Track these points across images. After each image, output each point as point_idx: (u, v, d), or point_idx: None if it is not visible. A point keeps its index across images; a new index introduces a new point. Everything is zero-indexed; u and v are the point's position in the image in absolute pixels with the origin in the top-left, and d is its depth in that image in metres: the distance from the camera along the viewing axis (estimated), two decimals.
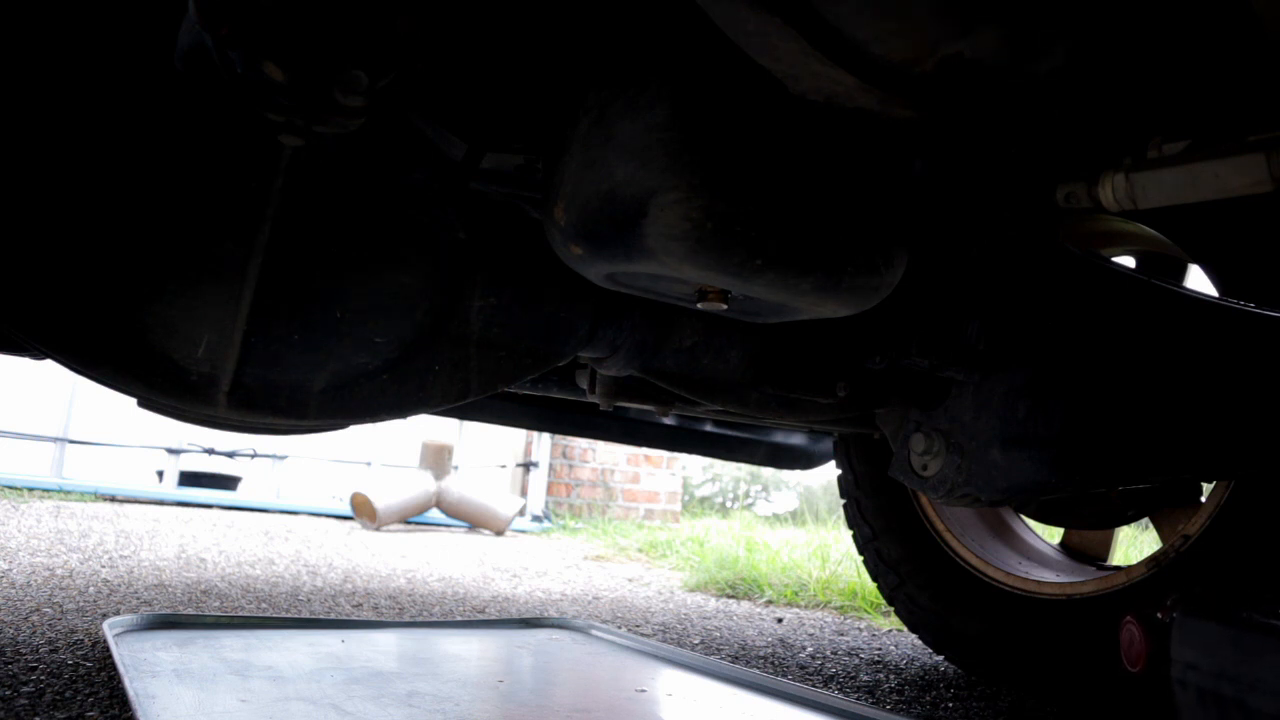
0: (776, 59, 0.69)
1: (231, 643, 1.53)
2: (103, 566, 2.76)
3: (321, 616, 2.09)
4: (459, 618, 2.29)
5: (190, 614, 1.75)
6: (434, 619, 2.16)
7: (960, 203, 1.07)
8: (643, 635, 2.18)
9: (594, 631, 1.87)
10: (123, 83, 0.88)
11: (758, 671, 1.50)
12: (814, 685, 1.72)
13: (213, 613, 1.99)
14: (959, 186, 1.05)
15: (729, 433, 2.25)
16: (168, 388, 0.91)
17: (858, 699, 1.61)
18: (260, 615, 1.96)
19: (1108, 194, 0.93)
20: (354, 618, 2.02)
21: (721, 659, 1.95)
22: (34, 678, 1.38)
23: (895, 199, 0.88)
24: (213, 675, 1.30)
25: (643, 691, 1.40)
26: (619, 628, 2.04)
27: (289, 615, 2.10)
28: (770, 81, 0.74)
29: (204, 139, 0.90)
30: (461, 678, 1.42)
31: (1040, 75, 0.70)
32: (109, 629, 1.51)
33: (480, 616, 2.34)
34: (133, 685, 1.18)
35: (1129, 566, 1.57)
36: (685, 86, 0.79)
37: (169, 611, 1.80)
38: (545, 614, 2.41)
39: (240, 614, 2.06)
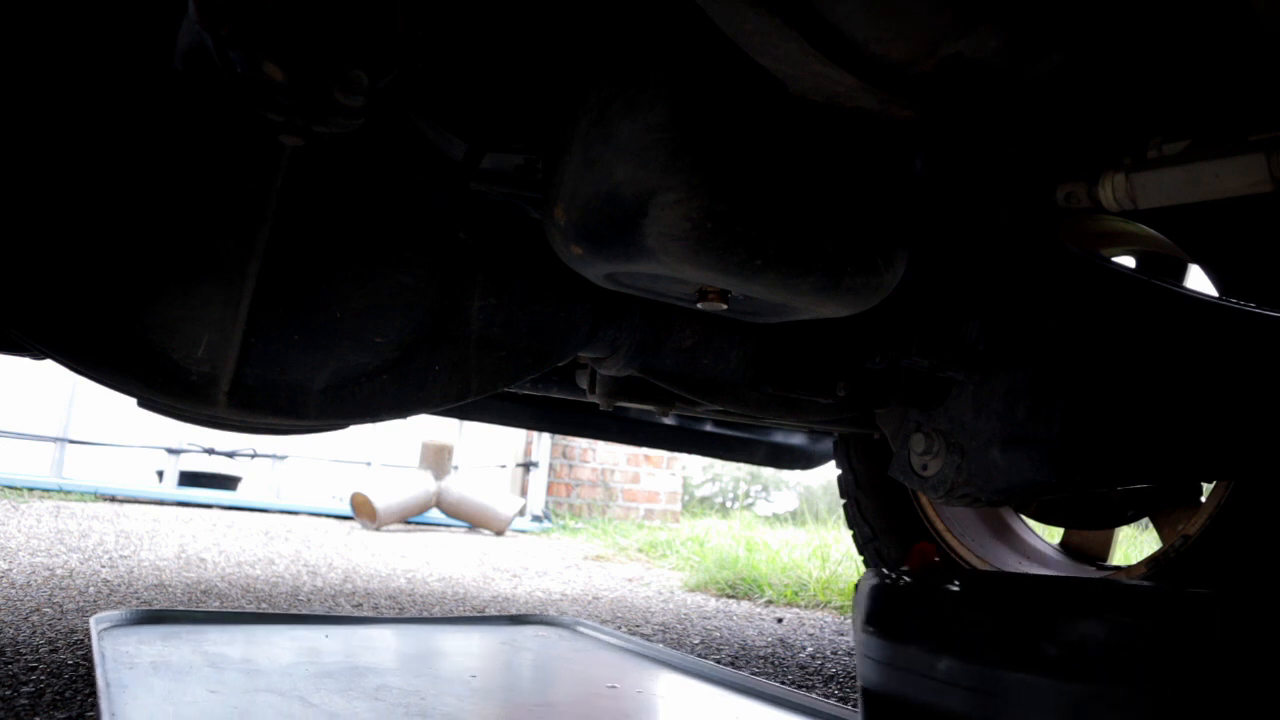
0: (776, 59, 0.69)
1: (216, 637, 1.54)
2: (103, 566, 2.76)
3: (310, 612, 2.09)
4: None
5: (178, 609, 1.75)
6: (428, 617, 2.16)
7: (960, 203, 1.07)
8: (643, 635, 2.18)
9: (580, 628, 1.87)
10: (122, 83, 0.88)
11: (730, 669, 1.49)
12: (814, 684, 1.72)
13: (201, 609, 2.00)
14: (959, 186, 1.05)
15: (729, 433, 2.25)
16: (168, 388, 0.91)
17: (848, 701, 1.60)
18: (248, 611, 1.97)
19: (1108, 194, 0.93)
20: (342, 614, 2.02)
21: (718, 660, 1.95)
22: (34, 678, 1.38)
23: (895, 199, 0.88)
24: (189, 667, 1.31)
25: (613, 687, 1.40)
26: (617, 627, 2.04)
27: (277, 611, 2.10)
28: (770, 81, 0.74)
29: (204, 139, 0.90)
30: (436, 672, 1.42)
31: (1040, 75, 0.70)
32: (95, 624, 1.51)
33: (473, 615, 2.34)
34: (105, 675, 1.19)
35: (1129, 566, 1.57)
36: (685, 86, 0.79)
37: (157, 608, 1.80)
38: (544, 613, 2.41)
39: (228, 610, 2.06)
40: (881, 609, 0.85)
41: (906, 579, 0.88)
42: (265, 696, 1.19)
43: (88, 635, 1.69)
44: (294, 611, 2.14)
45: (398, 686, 1.29)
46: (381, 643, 1.63)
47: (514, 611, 2.46)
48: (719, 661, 1.96)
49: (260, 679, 1.28)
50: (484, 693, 1.32)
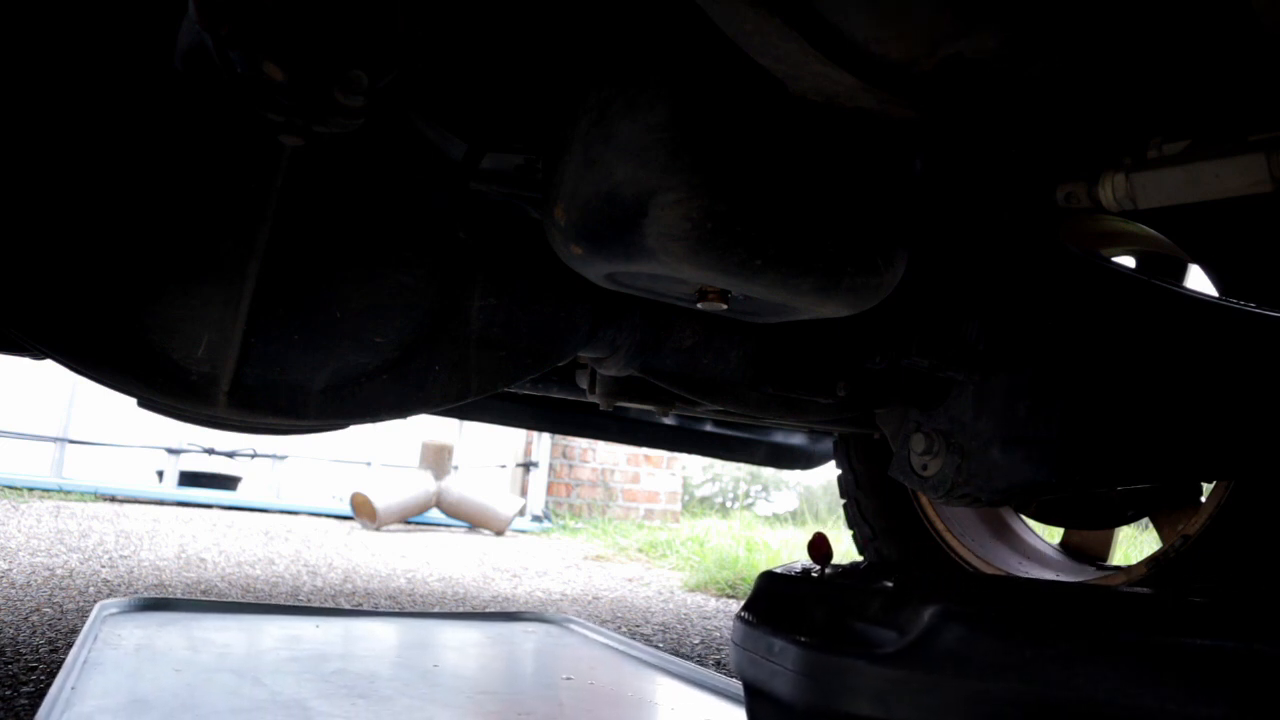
0: (776, 59, 0.69)
1: (211, 624, 1.55)
2: (103, 566, 2.76)
3: (311, 605, 2.09)
4: None
5: (182, 598, 1.75)
6: (424, 612, 2.16)
7: (960, 203, 1.07)
8: (643, 635, 2.18)
9: (571, 626, 1.88)
10: (122, 83, 0.88)
11: (706, 670, 1.48)
12: None
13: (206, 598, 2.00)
14: (959, 186, 1.05)
15: (729, 433, 2.25)
16: (168, 388, 0.91)
17: None
18: (250, 602, 1.97)
19: (1108, 194, 0.93)
20: (342, 607, 2.02)
21: (717, 661, 1.95)
22: (34, 678, 1.38)
23: (895, 198, 0.88)
24: (169, 650, 1.33)
25: (569, 679, 1.40)
26: (616, 628, 2.04)
27: (279, 603, 2.10)
28: (770, 81, 0.74)
29: (204, 139, 0.90)
30: (398, 661, 1.43)
31: (1040, 75, 0.70)
32: (99, 610, 1.52)
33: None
34: (84, 655, 1.21)
35: (1129, 566, 1.57)
36: (685, 86, 0.79)
37: (161, 596, 1.80)
38: (537, 611, 2.41)
39: (231, 600, 2.06)
40: (749, 598, 0.91)
41: (795, 572, 0.92)
42: (223, 677, 1.21)
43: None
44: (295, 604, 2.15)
45: (355, 671, 1.30)
46: (368, 635, 1.63)
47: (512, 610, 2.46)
48: (718, 663, 1.96)
49: (229, 661, 1.30)
50: (433, 679, 1.32)
